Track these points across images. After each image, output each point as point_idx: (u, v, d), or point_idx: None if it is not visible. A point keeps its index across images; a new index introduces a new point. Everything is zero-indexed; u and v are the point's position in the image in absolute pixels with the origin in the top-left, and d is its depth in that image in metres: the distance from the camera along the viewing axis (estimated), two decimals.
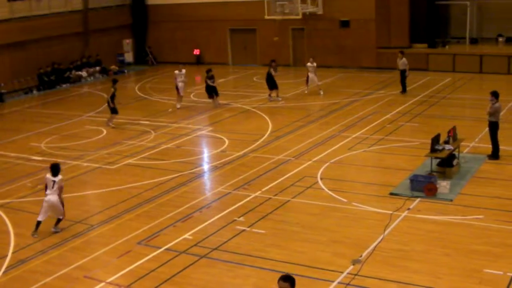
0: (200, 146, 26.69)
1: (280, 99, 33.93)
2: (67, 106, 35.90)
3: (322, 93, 34.75)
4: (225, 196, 20.16)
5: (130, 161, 24.55)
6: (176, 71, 33.60)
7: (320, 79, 35.34)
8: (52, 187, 17.82)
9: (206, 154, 25.58)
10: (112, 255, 16.40)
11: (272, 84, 33.74)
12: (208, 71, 33.39)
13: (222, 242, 16.79)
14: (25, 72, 42.29)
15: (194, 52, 48.95)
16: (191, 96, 36.23)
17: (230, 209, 19.01)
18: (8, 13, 41.93)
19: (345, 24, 42.98)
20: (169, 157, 24.75)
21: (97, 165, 24.25)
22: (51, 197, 17.84)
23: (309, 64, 34.43)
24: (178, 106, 33.37)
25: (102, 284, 14.96)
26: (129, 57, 50.44)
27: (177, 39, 49.47)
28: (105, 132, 28.87)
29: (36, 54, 42.96)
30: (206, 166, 23.78)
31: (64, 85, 43.61)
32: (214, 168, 23.26)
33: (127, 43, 50.34)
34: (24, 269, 16.02)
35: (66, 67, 44.64)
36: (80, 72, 45.16)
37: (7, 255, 16.86)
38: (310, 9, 42.89)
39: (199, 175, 22.66)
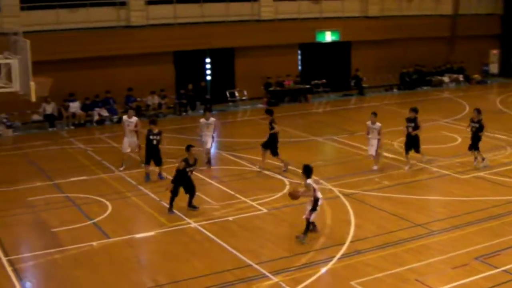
0: None
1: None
2: (424, 109, 35.49)
3: None
4: None
5: (481, 174, 23.70)
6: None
7: None
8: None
9: None
10: (447, 265, 15.97)
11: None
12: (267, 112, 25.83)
13: None
14: (387, 70, 43.28)
15: None
16: None
17: None
18: (378, 11, 43.07)
19: None
20: None
21: (446, 172, 23.88)
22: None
23: None
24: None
25: None
26: (494, 68, 49.02)
27: None
28: (459, 140, 28.29)
29: (400, 53, 43.70)
30: None
31: (424, 88, 43.82)
32: None
33: (494, 53, 48.87)
34: (358, 259, 16.29)
35: (428, 70, 44.79)
36: (442, 77, 44.96)
37: (344, 243, 17.29)
38: None
39: None
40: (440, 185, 22.81)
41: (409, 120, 24.27)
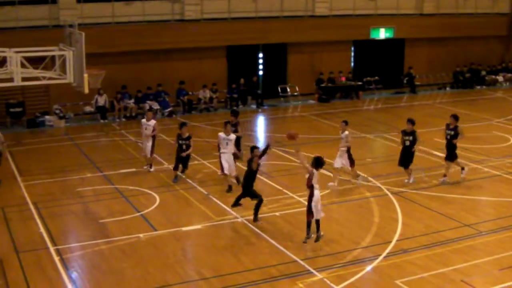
0: None
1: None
2: (477, 108, 35.40)
3: None
4: None
5: None
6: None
7: None
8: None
9: None
10: (494, 266, 15.79)
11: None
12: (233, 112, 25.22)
13: None
14: (441, 68, 42.89)
15: None
16: None
17: None
18: (434, 8, 42.60)
19: None
20: None
21: (497, 173, 23.56)
22: None
23: None
24: None
25: None
26: None
27: None
28: (511, 140, 27.88)
29: (454, 52, 43.27)
30: None
31: (478, 87, 43.23)
32: None
33: None
34: (404, 258, 16.20)
35: (483, 69, 44.10)
36: (496, 76, 44.27)
37: (391, 242, 17.20)
38: None
39: None
40: (490, 186, 22.50)
41: (404, 133, 22.12)
